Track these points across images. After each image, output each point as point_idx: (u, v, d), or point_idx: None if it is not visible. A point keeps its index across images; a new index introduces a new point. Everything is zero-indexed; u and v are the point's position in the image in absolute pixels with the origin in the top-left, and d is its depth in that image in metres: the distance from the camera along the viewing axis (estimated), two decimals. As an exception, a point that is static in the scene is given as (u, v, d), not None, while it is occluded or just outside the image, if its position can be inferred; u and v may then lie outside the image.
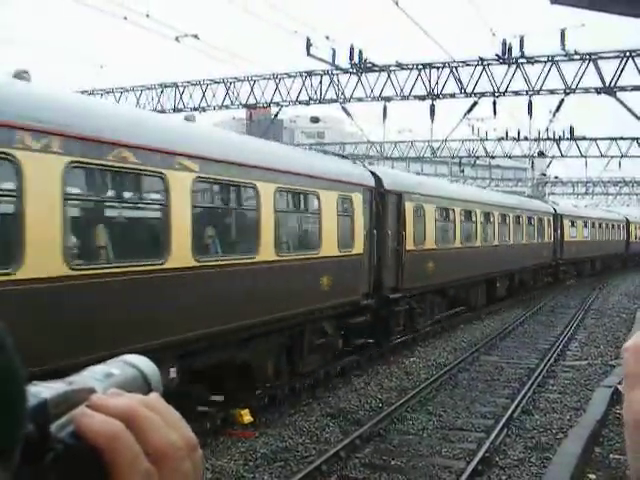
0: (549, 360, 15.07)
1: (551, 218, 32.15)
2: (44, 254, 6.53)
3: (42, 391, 0.55)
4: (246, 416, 10.06)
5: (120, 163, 7.53)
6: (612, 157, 37.26)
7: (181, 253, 8.37)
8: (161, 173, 8.16)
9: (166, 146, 8.36)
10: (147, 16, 19.47)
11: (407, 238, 15.94)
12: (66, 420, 0.55)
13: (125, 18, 19.36)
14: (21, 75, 7.51)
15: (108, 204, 8.33)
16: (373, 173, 14.98)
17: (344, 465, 8.64)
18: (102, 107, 9.07)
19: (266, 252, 10.16)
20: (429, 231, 17.58)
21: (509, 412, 10.74)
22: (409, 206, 16.23)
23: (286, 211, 11.39)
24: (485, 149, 38.59)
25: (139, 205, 8.89)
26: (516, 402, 11.39)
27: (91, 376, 0.61)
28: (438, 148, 37.23)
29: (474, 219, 21.52)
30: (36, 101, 6.97)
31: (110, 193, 8.31)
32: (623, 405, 0.67)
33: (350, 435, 9.52)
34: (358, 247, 13.32)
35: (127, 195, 8.72)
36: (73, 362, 6.25)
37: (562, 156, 35.60)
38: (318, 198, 11.87)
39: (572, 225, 36.16)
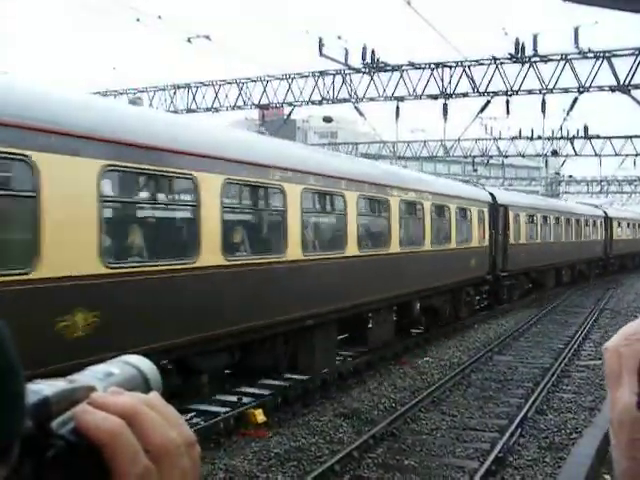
0: (563, 360, 14.98)
1: (602, 220, 38.94)
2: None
3: (44, 389, 0.56)
4: (259, 416, 10.08)
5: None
6: (627, 155, 37.03)
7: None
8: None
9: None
10: (159, 18, 19.59)
11: (510, 235, 23.46)
12: (67, 417, 0.56)
13: (137, 20, 19.48)
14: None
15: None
16: (490, 193, 22.72)
17: (357, 465, 8.63)
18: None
19: (452, 244, 17.92)
20: (522, 231, 25.10)
21: (523, 412, 10.69)
22: (511, 214, 23.78)
23: (459, 220, 18.68)
24: (498, 148, 38.45)
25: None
26: (530, 402, 11.34)
27: (92, 375, 0.62)
28: (451, 147, 37.14)
29: (548, 222, 28.94)
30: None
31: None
32: (608, 405, 0.67)
33: (363, 435, 9.52)
34: (486, 241, 21.05)
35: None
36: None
37: (576, 155, 35.36)
38: (470, 211, 19.58)
39: (618, 225, 43.20)
